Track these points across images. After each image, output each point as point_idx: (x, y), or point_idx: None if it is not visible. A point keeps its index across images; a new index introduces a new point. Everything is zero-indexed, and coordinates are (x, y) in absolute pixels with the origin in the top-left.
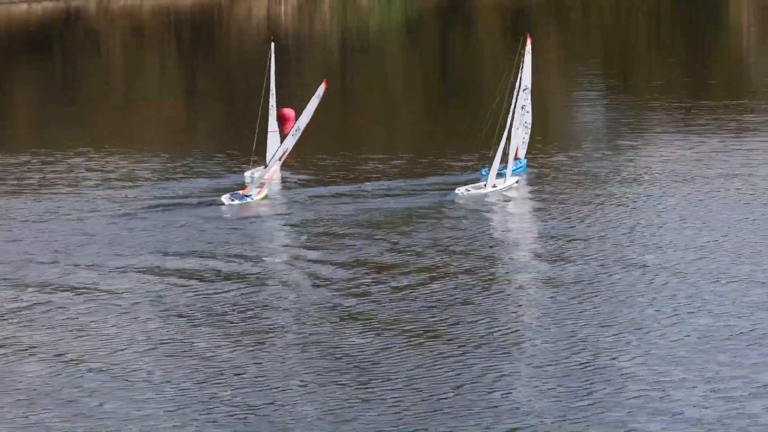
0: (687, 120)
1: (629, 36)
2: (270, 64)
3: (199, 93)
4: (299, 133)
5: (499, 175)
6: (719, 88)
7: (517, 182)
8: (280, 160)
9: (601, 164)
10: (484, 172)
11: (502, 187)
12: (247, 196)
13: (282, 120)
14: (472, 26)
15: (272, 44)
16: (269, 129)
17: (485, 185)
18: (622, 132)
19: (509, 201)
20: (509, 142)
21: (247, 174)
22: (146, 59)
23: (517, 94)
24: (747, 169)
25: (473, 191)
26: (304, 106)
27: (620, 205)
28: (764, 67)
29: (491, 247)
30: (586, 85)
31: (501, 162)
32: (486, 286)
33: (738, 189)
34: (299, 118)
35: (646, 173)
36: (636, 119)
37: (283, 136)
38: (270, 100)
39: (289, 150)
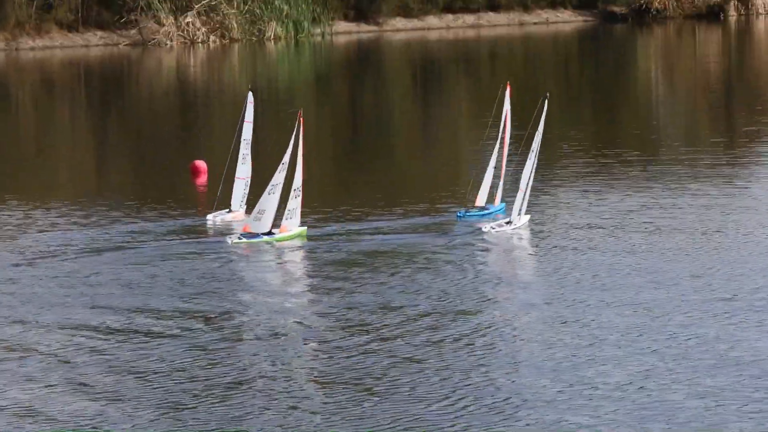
0: (598, 171)
1: (539, 86)
2: (245, 112)
3: (110, 143)
4: (285, 167)
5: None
6: (630, 138)
7: (529, 220)
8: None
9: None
10: (460, 214)
11: (521, 224)
12: (269, 233)
13: (194, 172)
14: (381, 78)
15: (249, 93)
16: (236, 176)
17: (509, 223)
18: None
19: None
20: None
21: (209, 217)
22: (56, 110)
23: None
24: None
25: (499, 229)
26: (215, 158)
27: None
28: (672, 117)
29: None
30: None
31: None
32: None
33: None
34: (285, 155)
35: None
36: (545, 172)
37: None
38: (243, 148)
39: (279, 184)
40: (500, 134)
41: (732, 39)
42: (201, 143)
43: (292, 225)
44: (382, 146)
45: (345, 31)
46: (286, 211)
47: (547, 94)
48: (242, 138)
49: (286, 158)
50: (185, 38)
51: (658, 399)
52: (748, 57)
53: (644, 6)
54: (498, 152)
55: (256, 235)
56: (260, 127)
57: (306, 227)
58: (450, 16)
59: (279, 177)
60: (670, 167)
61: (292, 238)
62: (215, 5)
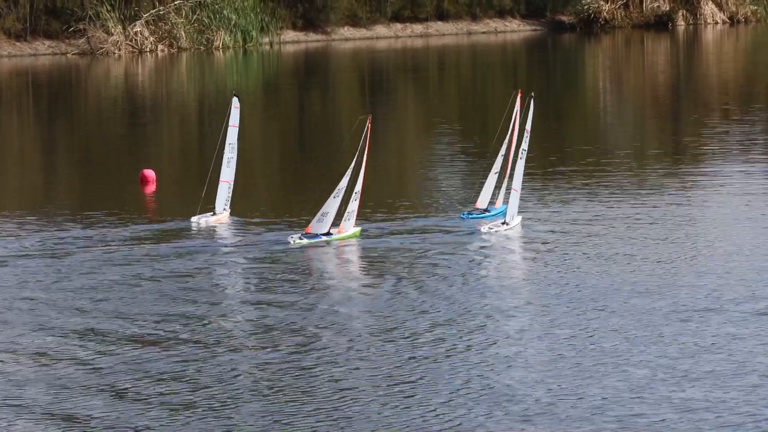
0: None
1: (487, 96)
2: (229, 117)
3: (58, 152)
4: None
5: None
6: (575, 147)
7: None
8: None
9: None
10: (463, 216)
11: (514, 224)
12: (324, 234)
13: (143, 181)
14: (329, 87)
15: (234, 98)
16: (220, 179)
17: (504, 223)
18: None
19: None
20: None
21: (194, 219)
22: (3, 119)
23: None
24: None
25: (496, 229)
26: (164, 166)
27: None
28: (621, 128)
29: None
30: (444, 146)
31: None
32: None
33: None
34: (357, 156)
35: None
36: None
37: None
38: (228, 152)
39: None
40: (507, 139)
41: (680, 49)
42: (150, 152)
43: (349, 225)
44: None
45: (293, 40)
46: (346, 213)
47: (533, 94)
48: (227, 142)
49: (353, 164)
50: (134, 47)
51: (646, 410)
52: (696, 66)
53: (592, 15)
54: (503, 157)
55: (316, 236)
56: (207, 133)
57: (360, 228)
58: (398, 25)
59: (344, 182)
60: (614, 176)
61: (348, 238)
62: (163, 15)
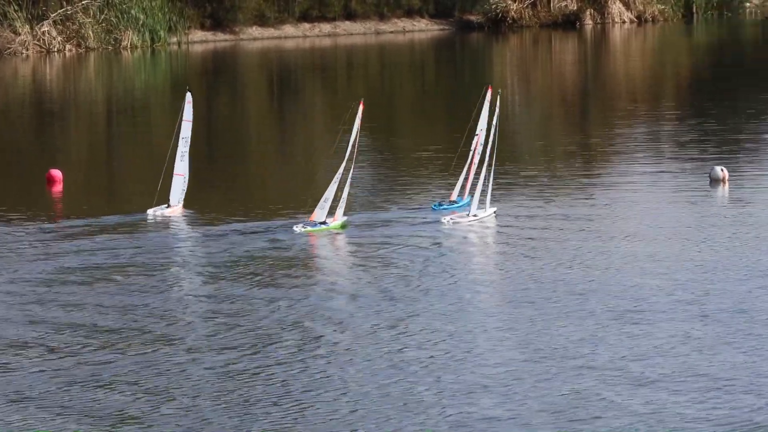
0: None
1: (395, 96)
2: (183, 111)
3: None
4: (354, 154)
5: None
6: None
7: (495, 213)
8: (341, 182)
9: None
10: (435, 206)
11: (484, 216)
12: (321, 223)
13: (50, 181)
14: (238, 87)
15: (188, 93)
16: (174, 172)
17: (468, 215)
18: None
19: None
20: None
21: (149, 212)
22: None
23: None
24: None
25: (459, 220)
26: (71, 166)
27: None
28: (526, 126)
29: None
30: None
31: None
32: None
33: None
34: (350, 140)
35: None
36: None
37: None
38: (181, 146)
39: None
40: (475, 134)
41: (588, 48)
42: (57, 152)
43: (339, 214)
44: (237, 152)
45: (201, 40)
46: (341, 201)
47: (500, 90)
48: (181, 136)
49: (349, 148)
50: (41, 47)
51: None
52: (604, 65)
53: (500, 15)
54: (473, 150)
55: (316, 224)
56: (116, 133)
57: (346, 217)
58: (306, 25)
59: (341, 167)
60: (513, 175)
61: (339, 227)
62: (71, 14)
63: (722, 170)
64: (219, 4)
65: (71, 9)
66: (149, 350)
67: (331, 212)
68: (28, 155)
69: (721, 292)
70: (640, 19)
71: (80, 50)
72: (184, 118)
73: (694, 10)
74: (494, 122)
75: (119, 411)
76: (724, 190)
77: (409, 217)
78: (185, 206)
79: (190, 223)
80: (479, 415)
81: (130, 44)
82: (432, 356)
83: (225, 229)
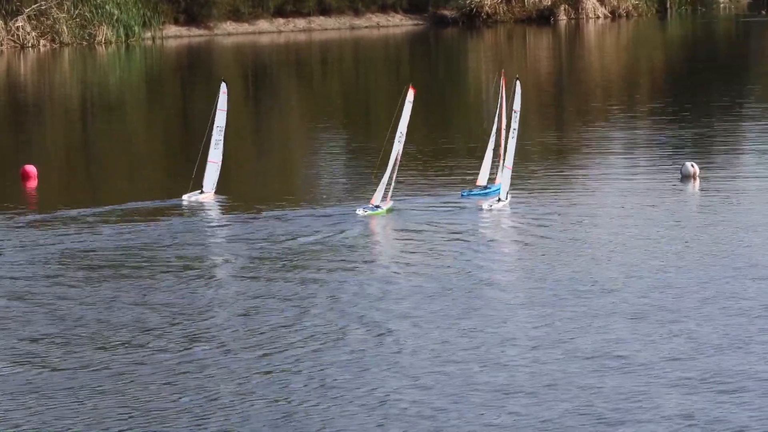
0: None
1: (370, 92)
2: (218, 101)
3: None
4: (403, 138)
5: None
6: (461, 142)
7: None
8: (394, 165)
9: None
10: (464, 194)
11: (508, 201)
12: (376, 206)
13: (24, 176)
14: (212, 83)
15: (223, 84)
16: (208, 159)
17: (498, 200)
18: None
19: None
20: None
21: (185, 197)
22: None
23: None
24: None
25: (494, 206)
26: (46, 161)
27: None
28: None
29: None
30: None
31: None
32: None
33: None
34: (399, 125)
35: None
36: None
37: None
38: (216, 134)
39: (400, 154)
40: (496, 120)
41: (562, 43)
42: (32, 148)
43: (389, 197)
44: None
45: (176, 35)
46: (392, 184)
47: (518, 76)
48: (215, 125)
49: (403, 129)
50: (15, 42)
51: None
52: (578, 60)
53: (474, 10)
54: (495, 136)
55: (373, 207)
56: (91, 129)
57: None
58: (281, 20)
59: (396, 149)
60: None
61: (387, 211)
62: (45, 9)
63: (692, 166)
64: None
65: (45, 4)
66: (191, 344)
67: (385, 196)
68: (2, 151)
69: (757, 291)
70: (614, 14)
71: (54, 45)
72: (218, 107)
73: (668, 6)
74: (515, 108)
75: (169, 408)
76: (694, 185)
77: (440, 204)
78: (217, 192)
79: (228, 209)
80: (508, 420)
81: (105, 39)
82: (466, 356)
83: (265, 215)
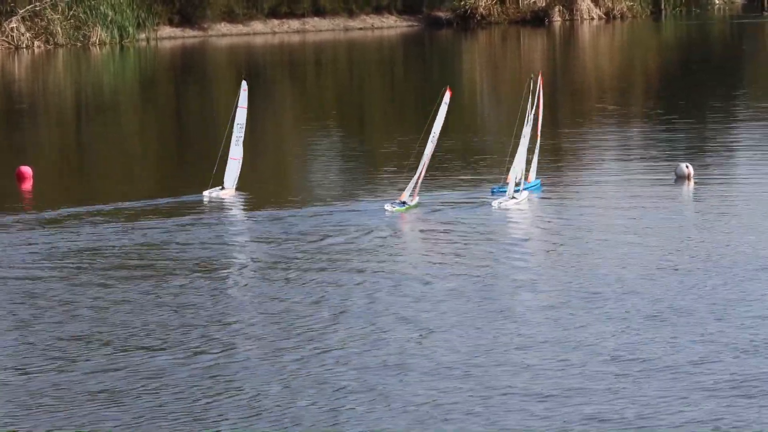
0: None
1: (364, 94)
2: (239, 98)
3: None
4: (436, 137)
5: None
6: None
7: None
8: (424, 164)
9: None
10: (495, 190)
11: (521, 199)
12: (403, 202)
13: (20, 178)
14: (206, 83)
15: (244, 81)
16: (230, 156)
17: (512, 198)
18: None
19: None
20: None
21: (205, 193)
22: None
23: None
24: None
25: (506, 204)
26: (42, 162)
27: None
28: (496, 123)
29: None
30: (320, 143)
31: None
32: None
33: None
34: (434, 125)
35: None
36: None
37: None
38: (237, 132)
39: (430, 154)
40: (532, 117)
41: (557, 44)
42: (27, 149)
43: (416, 193)
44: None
45: (170, 36)
46: (421, 182)
47: (532, 74)
48: (236, 122)
49: (437, 129)
50: (9, 44)
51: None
52: (572, 61)
53: (469, 11)
54: (531, 134)
55: (401, 204)
56: (85, 130)
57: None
58: (275, 21)
59: (428, 148)
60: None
61: (414, 207)
62: (40, 10)
63: (687, 167)
64: (187, 0)
65: (39, 5)
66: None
67: (413, 193)
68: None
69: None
70: (609, 16)
71: (49, 46)
72: (239, 105)
73: (663, 7)
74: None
75: (211, 409)
76: (689, 187)
77: (469, 200)
78: (237, 189)
79: (249, 206)
80: (534, 423)
81: (99, 40)
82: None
83: (289, 212)
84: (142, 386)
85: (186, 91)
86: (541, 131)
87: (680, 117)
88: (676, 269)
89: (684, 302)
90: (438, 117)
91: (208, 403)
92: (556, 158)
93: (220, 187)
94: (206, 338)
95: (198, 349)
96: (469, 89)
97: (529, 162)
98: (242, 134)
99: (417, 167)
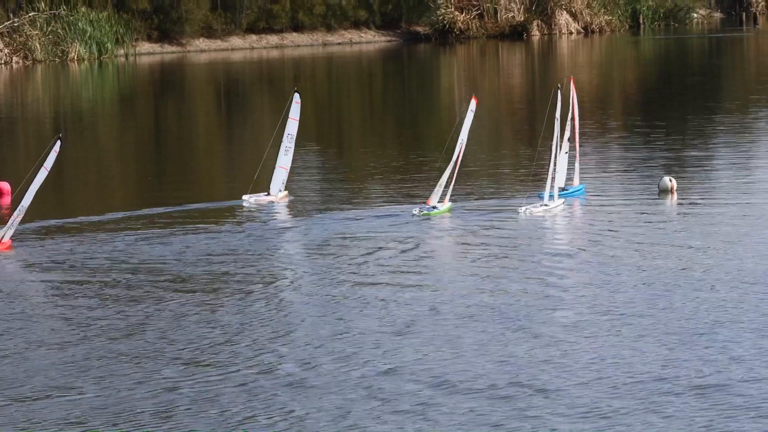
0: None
1: (342, 105)
2: (289, 110)
3: None
4: (464, 144)
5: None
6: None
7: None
8: (453, 169)
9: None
10: (541, 195)
11: (553, 206)
12: (433, 207)
13: None
14: (185, 98)
15: (296, 94)
16: (278, 165)
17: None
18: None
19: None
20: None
21: (245, 197)
22: None
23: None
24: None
25: (534, 210)
26: (19, 178)
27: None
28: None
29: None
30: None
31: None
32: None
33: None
34: (461, 133)
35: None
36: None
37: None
38: (286, 141)
39: (460, 159)
40: (569, 124)
41: (535, 58)
42: (4, 164)
43: (447, 198)
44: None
45: (148, 52)
46: (451, 186)
47: (559, 85)
48: (287, 133)
49: (464, 136)
50: None
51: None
52: (551, 75)
53: (447, 26)
54: (569, 140)
55: (430, 208)
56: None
57: (451, 203)
58: (254, 37)
59: (456, 153)
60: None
61: (446, 211)
62: (18, 26)
63: (670, 180)
64: (166, 16)
65: (18, 21)
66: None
67: (443, 197)
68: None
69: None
70: (587, 30)
71: (27, 62)
72: (290, 116)
73: (641, 21)
74: (556, 116)
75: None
76: (672, 200)
77: (503, 207)
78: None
79: (292, 212)
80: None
81: (78, 56)
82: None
83: (331, 217)
84: (228, 398)
85: (165, 107)
86: (518, 147)
87: (661, 130)
88: (704, 286)
89: (710, 320)
90: (464, 124)
91: (294, 415)
92: (537, 171)
93: (266, 192)
94: (252, 350)
95: (250, 360)
96: (448, 103)
97: (571, 166)
98: (292, 145)
99: (444, 174)
